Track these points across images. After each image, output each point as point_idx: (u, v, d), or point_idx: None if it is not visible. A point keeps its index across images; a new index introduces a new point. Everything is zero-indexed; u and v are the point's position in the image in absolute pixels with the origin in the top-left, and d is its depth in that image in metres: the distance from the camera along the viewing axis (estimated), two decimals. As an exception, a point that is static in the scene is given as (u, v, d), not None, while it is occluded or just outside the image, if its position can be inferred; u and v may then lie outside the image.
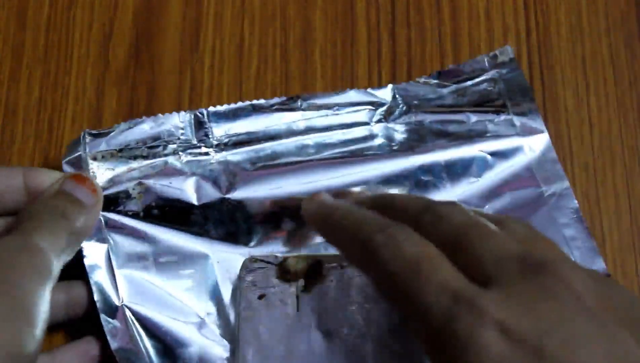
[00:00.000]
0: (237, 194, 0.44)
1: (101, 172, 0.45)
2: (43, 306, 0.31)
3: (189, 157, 0.46)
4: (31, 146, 0.50)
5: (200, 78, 0.52)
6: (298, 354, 0.32)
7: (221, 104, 0.51)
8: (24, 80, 0.52)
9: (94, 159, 0.45)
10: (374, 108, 0.49)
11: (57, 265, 0.34)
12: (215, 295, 0.40)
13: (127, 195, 0.45)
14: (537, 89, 0.53)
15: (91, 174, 0.44)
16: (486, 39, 0.54)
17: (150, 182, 0.45)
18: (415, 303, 0.27)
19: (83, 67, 0.52)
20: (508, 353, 0.25)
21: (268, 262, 0.35)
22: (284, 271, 0.35)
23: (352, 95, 0.49)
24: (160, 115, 0.47)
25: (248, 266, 0.35)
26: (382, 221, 0.31)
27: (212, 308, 0.40)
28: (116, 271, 0.41)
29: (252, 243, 0.41)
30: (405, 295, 0.28)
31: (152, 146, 0.46)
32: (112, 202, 0.44)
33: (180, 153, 0.46)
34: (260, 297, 0.34)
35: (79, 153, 0.45)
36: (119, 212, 0.44)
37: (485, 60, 0.51)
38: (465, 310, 0.26)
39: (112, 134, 0.46)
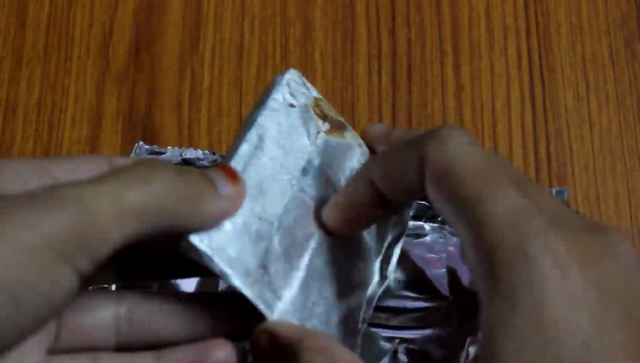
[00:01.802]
0: None
1: None
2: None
3: None
4: (31, 146, 0.50)
5: (200, 78, 0.52)
6: (292, 167, 0.33)
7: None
8: (24, 80, 0.52)
9: None
10: (428, 205, 0.48)
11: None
12: None
13: None
14: (537, 88, 0.53)
15: None
16: (486, 39, 0.54)
17: None
18: (478, 211, 0.26)
19: (83, 67, 0.52)
20: (565, 297, 0.24)
21: (308, 89, 0.35)
22: (317, 105, 0.35)
23: None
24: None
25: (294, 77, 0.34)
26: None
27: None
28: None
29: None
30: (466, 201, 0.26)
31: None
32: None
33: None
34: (290, 106, 0.34)
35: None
36: None
37: None
38: (534, 236, 0.25)
39: (164, 155, 0.47)
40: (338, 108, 0.52)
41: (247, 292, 0.29)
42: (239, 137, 0.32)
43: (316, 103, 0.35)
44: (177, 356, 0.29)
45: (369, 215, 0.32)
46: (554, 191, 0.49)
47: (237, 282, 0.29)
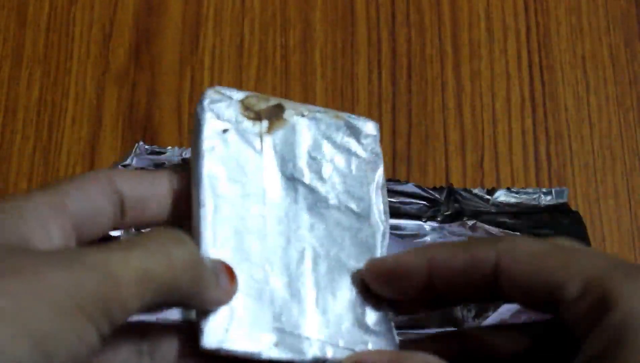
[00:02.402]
0: None
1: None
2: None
3: None
4: (31, 146, 0.50)
5: (200, 78, 0.52)
6: (256, 193, 0.32)
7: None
8: (24, 80, 0.52)
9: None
10: (428, 205, 0.49)
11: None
12: None
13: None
14: (537, 88, 0.53)
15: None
16: (486, 39, 0.54)
17: None
18: (573, 278, 0.27)
19: (83, 67, 0.52)
20: None
21: (230, 97, 0.33)
22: (246, 108, 0.33)
23: (410, 188, 0.48)
24: None
25: (212, 97, 0.33)
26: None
27: None
28: None
29: None
30: (550, 280, 0.28)
31: None
32: None
33: None
34: (224, 131, 0.32)
35: (126, 163, 0.46)
36: None
37: (541, 196, 0.49)
38: (630, 277, 0.26)
39: (164, 155, 0.47)
40: (338, 108, 0.52)
41: (278, 356, 0.30)
42: (196, 197, 0.31)
43: (244, 106, 0.33)
44: None
45: (411, 291, 0.32)
46: (553, 191, 0.49)
47: (264, 353, 0.29)
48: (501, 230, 0.47)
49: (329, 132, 0.35)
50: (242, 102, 0.33)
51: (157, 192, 0.32)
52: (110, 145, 0.51)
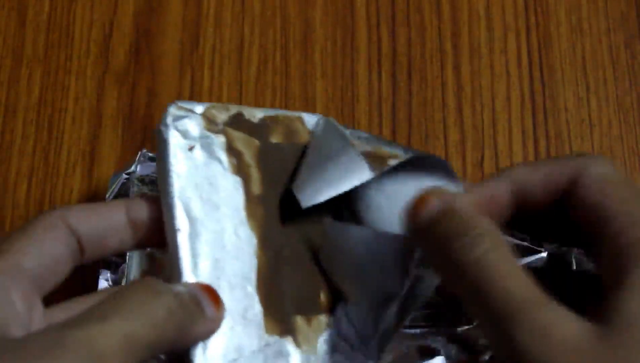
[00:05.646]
0: None
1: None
2: None
3: None
4: (31, 146, 0.50)
5: (200, 78, 0.52)
6: (229, 210, 0.31)
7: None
8: (24, 80, 0.52)
9: (141, 181, 0.46)
10: None
11: None
12: None
13: None
14: (537, 88, 0.53)
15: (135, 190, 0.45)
16: (486, 38, 0.54)
17: None
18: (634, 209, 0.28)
19: (83, 67, 0.52)
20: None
21: (192, 111, 0.32)
22: (209, 121, 0.32)
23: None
24: None
25: (174, 114, 0.32)
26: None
27: None
28: None
29: None
30: (622, 200, 0.28)
31: None
32: None
33: None
34: (190, 149, 0.31)
35: (130, 170, 0.46)
36: None
37: None
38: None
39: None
40: (338, 108, 0.52)
41: None
42: (169, 222, 0.31)
43: (207, 120, 0.33)
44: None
45: (497, 214, 0.32)
46: None
47: None
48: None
49: None
50: (203, 115, 0.32)
51: (115, 225, 0.31)
52: (110, 145, 0.51)
